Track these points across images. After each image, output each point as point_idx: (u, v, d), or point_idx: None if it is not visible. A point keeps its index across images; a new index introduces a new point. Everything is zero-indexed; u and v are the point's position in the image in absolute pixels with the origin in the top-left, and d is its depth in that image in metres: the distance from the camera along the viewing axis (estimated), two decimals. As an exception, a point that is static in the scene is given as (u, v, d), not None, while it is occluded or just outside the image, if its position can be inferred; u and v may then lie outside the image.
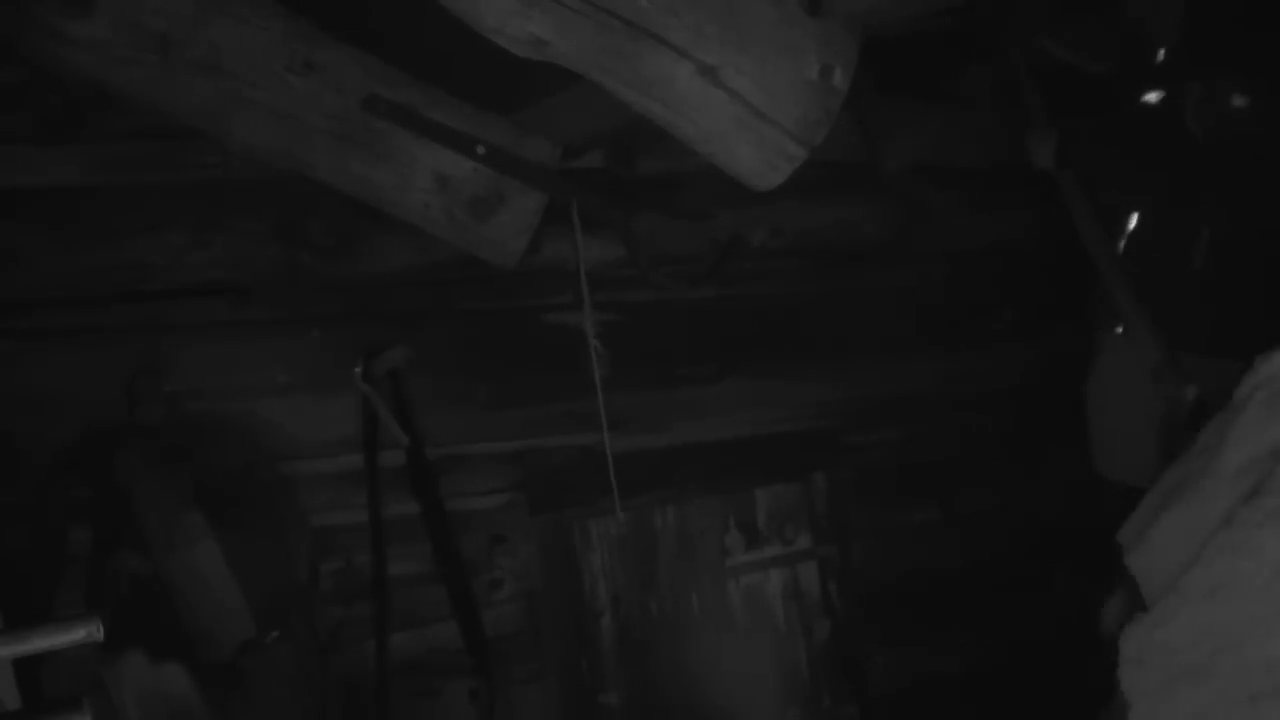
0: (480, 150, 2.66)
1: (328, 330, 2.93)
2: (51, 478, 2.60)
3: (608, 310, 3.16)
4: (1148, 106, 2.90)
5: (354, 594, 2.95)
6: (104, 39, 2.31)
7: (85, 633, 1.17)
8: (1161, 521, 1.73)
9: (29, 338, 2.63)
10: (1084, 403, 3.07)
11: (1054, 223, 3.04)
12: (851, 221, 3.65)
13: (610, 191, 3.10)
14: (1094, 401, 3.04)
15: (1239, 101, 2.77)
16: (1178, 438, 2.69)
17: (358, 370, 2.90)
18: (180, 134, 2.62)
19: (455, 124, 2.64)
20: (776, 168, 2.27)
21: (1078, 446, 3.12)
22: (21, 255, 2.64)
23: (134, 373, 2.67)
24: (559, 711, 3.25)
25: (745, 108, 2.13)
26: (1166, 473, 1.66)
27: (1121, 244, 2.95)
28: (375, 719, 2.92)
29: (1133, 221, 2.95)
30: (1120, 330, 2.90)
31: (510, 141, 2.72)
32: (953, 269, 3.75)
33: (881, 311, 3.68)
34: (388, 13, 2.37)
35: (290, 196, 2.83)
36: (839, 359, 3.64)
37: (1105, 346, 2.99)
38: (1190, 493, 1.55)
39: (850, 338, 3.65)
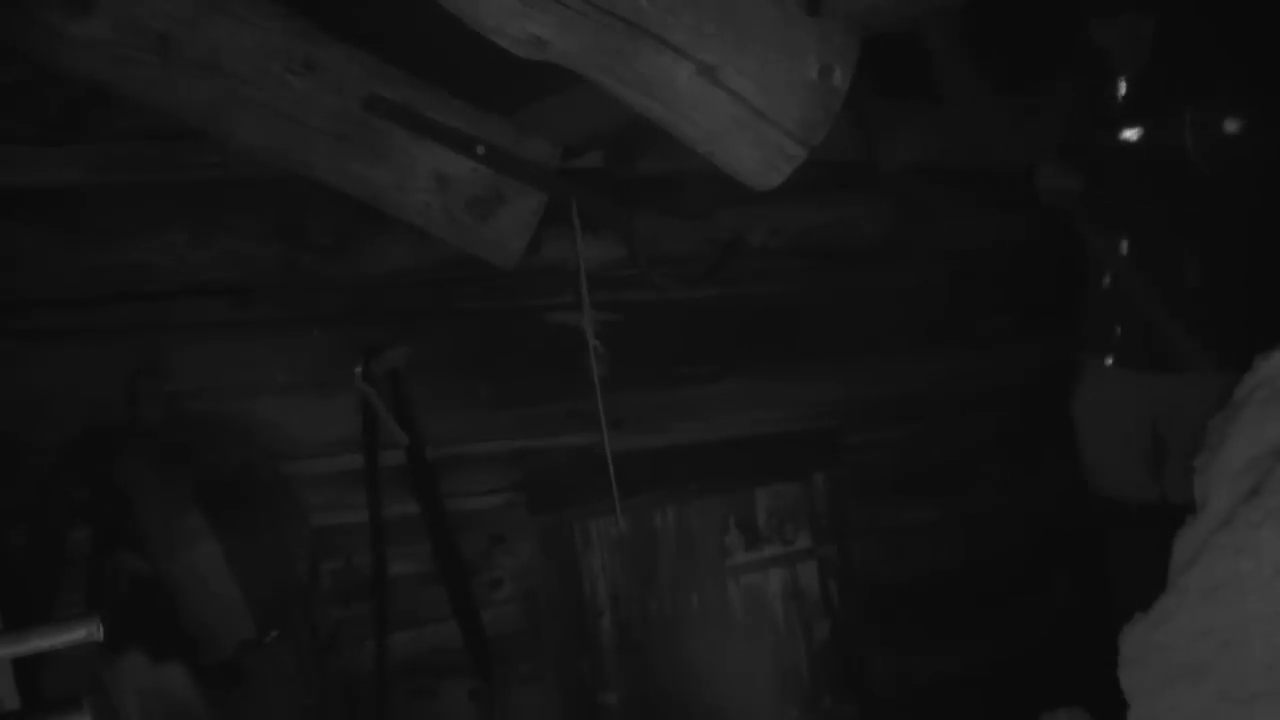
0: (480, 150, 2.66)
1: (328, 330, 2.93)
2: (51, 478, 2.61)
3: (608, 310, 3.16)
4: (1128, 140, 2.87)
5: (354, 594, 2.95)
6: (104, 39, 2.31)
7: (85, 633, 1.17)
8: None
9: (29, 338, 2.63)
10: (1072, 424, 3.09)
11: (1055, 222, 3.05)
12: (851, 221, 3.65)
13: (610, 191, 3.10)
14: (1083, 425, 3.06)
15: (1232, 127, 2.75)
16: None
17: (358, 370, 2.90)
18: (180, 134, 2.62)
19: (455, 124, 2.64)
20: (776, 168, 2.26)
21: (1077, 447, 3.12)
22: (21, 255, 2.64)
23: (134, 373, 2.67)
24: (559, 711, 3.25)
25: (745, 108, 2.13)
26: None
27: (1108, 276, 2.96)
28: (375, 719, 2.92)
29: (1123, 249, 2.95)
30: (1110, 362, 2.91)
31: (510, 141, 2.72)
32: (953, 269, 3.75)
33: (882, 311, 3.68)
34: (387, 12, 2.37)
35: (290, 196, 2.83)
36: (839, 359, 3.64)
37: (1091, 373, 3.00)
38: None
39: (850, 338, 3.64)
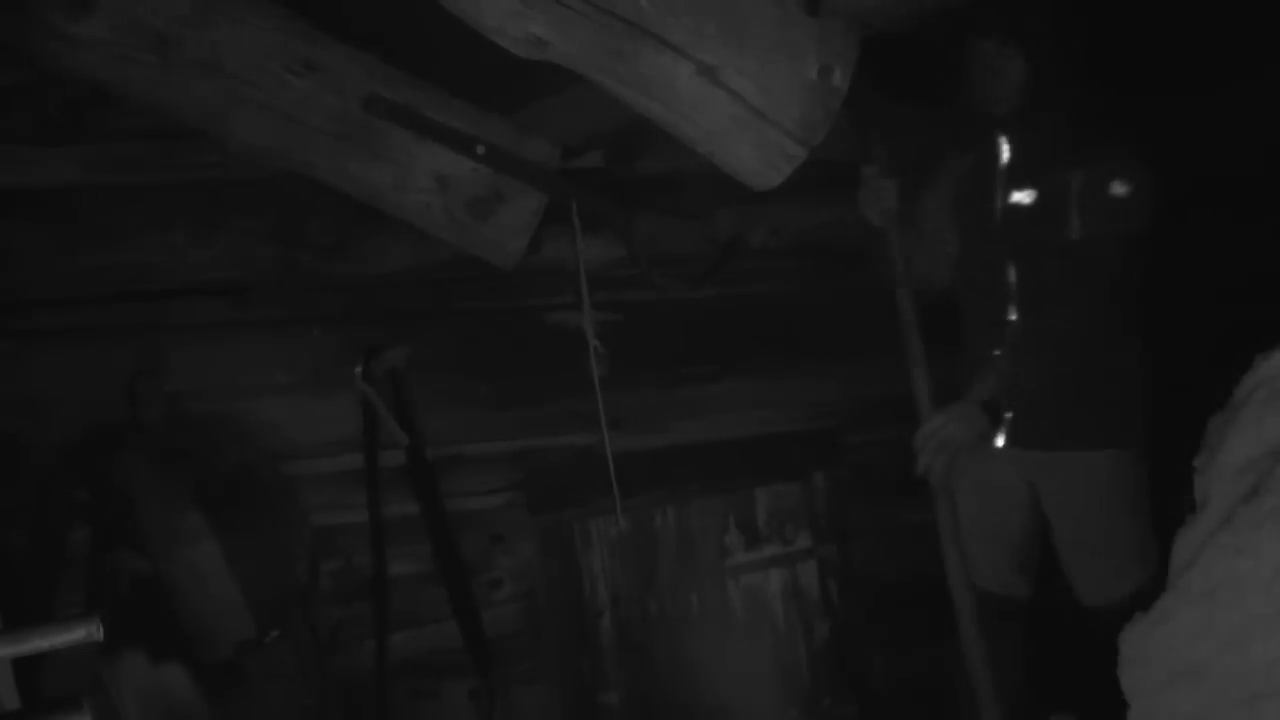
0: (480, 150, 2.67)
1: (328, 330, 2.93)
2: (51, 478, 2.61)
3: (608, 310, 3.16)
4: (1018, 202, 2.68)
5: (354, 594, 2.95)
6: (104, 39, 2.31)
7: (85, 633, 1.17)
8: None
9: (29, 338, 2.63)
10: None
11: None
12: (851, 221, 3.64)
13: (610, 191, 3.10)
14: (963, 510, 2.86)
15: (1120, 190, 2.54)
16: None
17: (358, 370, 2.90)
18: (180, 134, 2.62)
19: (455, 124, 2.65)
20: (776, 168, 2.27)
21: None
22: (21, 255, 2.64)
23: (134, 373, 2.68)
24: (559, 711, 3.25)
25: (745, 108, 2.13)
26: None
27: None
28: (375, 719, 2.92)
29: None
30: (1000, 442, 2.75)
31: (510, 141, 2.72)
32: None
33: (882, 311, 3.67)
34: (387, 12, 2.37)
35: (290, 196, 2.83)
36: (839, 359, 3.64)
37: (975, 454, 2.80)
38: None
39: (850, 338, 3.64)
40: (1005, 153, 2.71)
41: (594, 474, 3.09)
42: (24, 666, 1.36)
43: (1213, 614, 1.30)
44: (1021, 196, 2.67)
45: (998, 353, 2.67)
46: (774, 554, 3.64)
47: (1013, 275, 2.71)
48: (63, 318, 2.66)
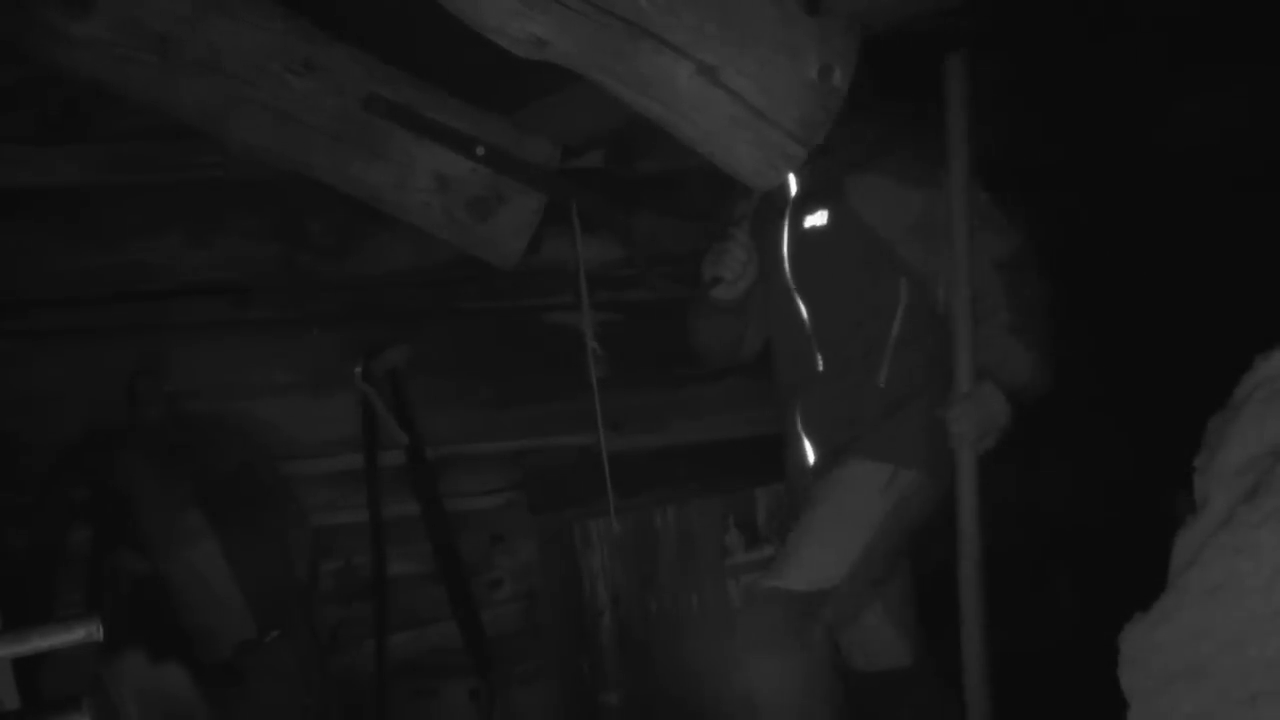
0: (480, 150, 2.67)
1: (328, 330, 2.94)
2: (52, 478, 2.61)
3: (608, 310, 3.16)
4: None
5: (354, 594, 2.95)
6: (104, 39, 2.31)
7: (85, 633, 1.17)
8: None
9: (29, 338, 2.64)
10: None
11: (1056, 221, 3.04)
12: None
13: (610, 191, 3.10)
14: None
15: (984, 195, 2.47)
16: None
17: (358, 370, 2.91)
18: (180, 134, 2.62)
19: (455, 124, 2.65)
20: (776, 168, 2.26)
21: (1077, 447, 3.12)
22: (21, 255, 2.64)
23: (134, 373, 2.68)
24: (559, 711, 3.25)
25: (745, 107, 2.13)
26: None
27: None
28: (375, 719, 2.92)
29: None
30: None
31: (510, 141, 2.72)
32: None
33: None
34: (387, 12, 2.37)
35: (290, 196, 2.84)
36: (839, 359, 3.63)
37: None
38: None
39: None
40: (793, 185, 2.55)
41: (594, 474, 3.09)
42: (24, 666, 1.36)
43: (1213, 614, 1.30)
44: (813, 220, 2.51)
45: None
46: (774, 554, 3.64)
47: (805, 315, 2.55)
48: (63, 318, 2.66)
